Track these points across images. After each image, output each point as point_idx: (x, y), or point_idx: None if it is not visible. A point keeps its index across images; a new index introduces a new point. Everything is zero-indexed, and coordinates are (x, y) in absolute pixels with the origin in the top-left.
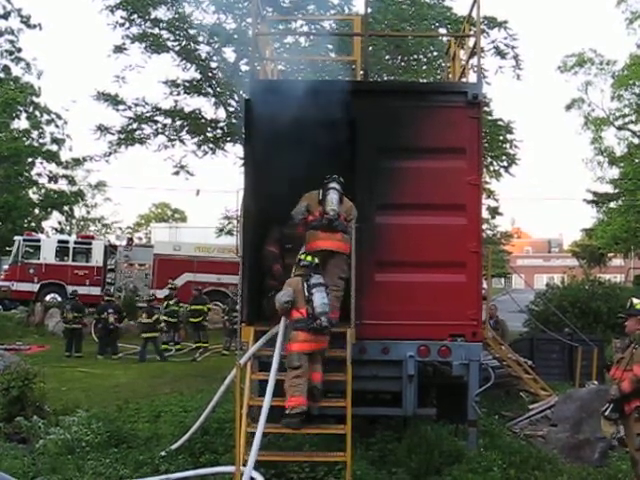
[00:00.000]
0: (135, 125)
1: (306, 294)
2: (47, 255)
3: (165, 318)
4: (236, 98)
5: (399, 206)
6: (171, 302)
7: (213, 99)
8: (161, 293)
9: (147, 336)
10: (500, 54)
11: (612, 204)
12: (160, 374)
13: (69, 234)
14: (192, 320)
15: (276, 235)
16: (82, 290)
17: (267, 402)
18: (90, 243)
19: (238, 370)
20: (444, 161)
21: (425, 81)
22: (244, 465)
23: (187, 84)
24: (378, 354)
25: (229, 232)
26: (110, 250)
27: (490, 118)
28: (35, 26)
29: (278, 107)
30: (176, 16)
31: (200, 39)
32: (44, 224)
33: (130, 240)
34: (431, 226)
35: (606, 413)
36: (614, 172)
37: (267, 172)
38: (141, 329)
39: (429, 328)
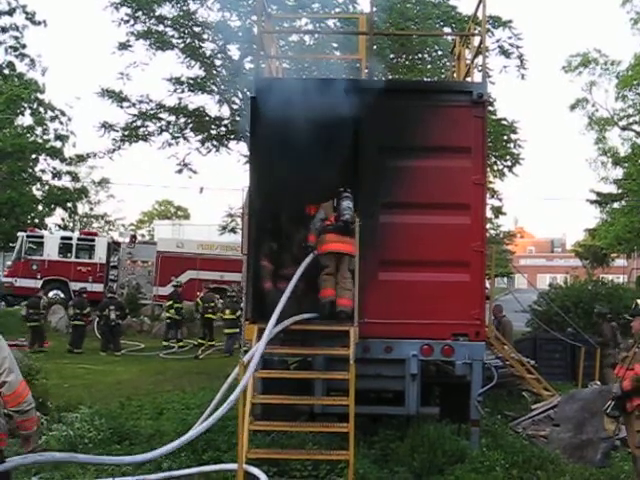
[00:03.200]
0: (139, 122)
1: (334, 204)
2: (50, 251)
3: (170, 315)
4: (240, 96)
5: (403, 205)
6: (176, 300)
7: (217, 97)
8: (163, 290)
9: (229, 332)
10: (505, 54)
11: (615, 204)
12: (162, 371)
13: (72, 231)
14: (212, 317)
15: (266, 250)
16: (85, 287)
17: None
18: (93, 240)
19: (241, 368)
20: (449, 160)
21: (430, 80)
22: (247, 463)
23: (191, 81)
24: (381, 353)
25: (232, 230)
26: (113, 247)
27: (494, 117)
28: (40, 23)
29: (283, 105)
30: (181, 13)
31: (205, 36)
32: (47, 220)
33: (133, 237)
34: (435, 225)
35: (608, 411)
36: (618, 172)
37: (272, 170)
38: (224, 325)
39: (432, 327)
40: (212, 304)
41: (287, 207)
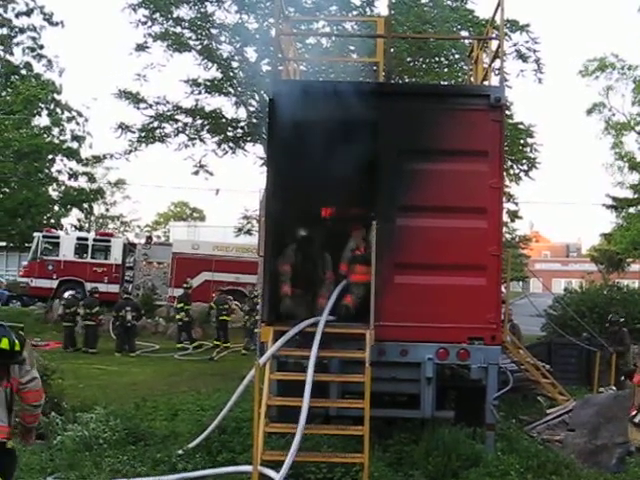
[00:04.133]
0: (156, 123)
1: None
2: (66, 252)
3: (180, 317)
4: (257, 98)
5: (420, 208)
6: (186, 302)
7: (234, 99)
8: (179, 292)
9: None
10: (522, 58)
11: (631, 209)
12: (177, 372)
13: (88, 231)
14: (227, 319)
15: (290, 256)
16: (100, 287)
17: (306, 402)
18: (109, 241)
19: (257, 370)
20: (466, 164)
21: (447, 83)
22: (262, 465)
23: (208, 83)
24: (397, 356)
25: (248, 232)
26: (129, 248)
27: (511, 121)
28: (57, 23)
29: (301, 108)
30: (198, 15)
31: (222, 38)
32: (63, 221)
33: (149, 238)
34: (452, 229)
35: (636, 420)
36: (634, 177)
37: (289, 173)
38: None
39: (448, 331)
40: (226, 306)
41: (304, 209)
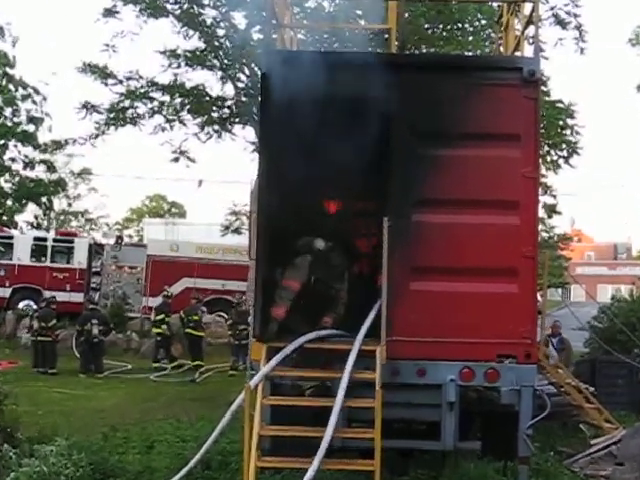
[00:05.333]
0: (127, 103)
1: None
2: (21, 255)
3: (160, 331)
4: (247, 72)
5: (440, 202)
6: (167, 313)
7: (219, 73)
8: (154, 302)
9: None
10: (560, 24)
11: None
12: (153, 396)
13: (47, 230)
14: (194, 333)
15: (304, 272)
16: (62, 296)
17: (328, 435)
18: (72, 241)
19: (247, 393)
20: (494, 149)
21: (472, 54)
22: None
23: (189, 55)
24: (413, 377)
25: (236, 230)
26: (95, 250)
27: (548, 99)
28: None
29: (299, 83)
30: None
31: (205, 2)
32: (18, 218)
33: (119, 238)
34: (478, 226)
35: None
36: None
37: (285, 160)
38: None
39: (474, 347)
40: (195, 317)
41: (303, 204)
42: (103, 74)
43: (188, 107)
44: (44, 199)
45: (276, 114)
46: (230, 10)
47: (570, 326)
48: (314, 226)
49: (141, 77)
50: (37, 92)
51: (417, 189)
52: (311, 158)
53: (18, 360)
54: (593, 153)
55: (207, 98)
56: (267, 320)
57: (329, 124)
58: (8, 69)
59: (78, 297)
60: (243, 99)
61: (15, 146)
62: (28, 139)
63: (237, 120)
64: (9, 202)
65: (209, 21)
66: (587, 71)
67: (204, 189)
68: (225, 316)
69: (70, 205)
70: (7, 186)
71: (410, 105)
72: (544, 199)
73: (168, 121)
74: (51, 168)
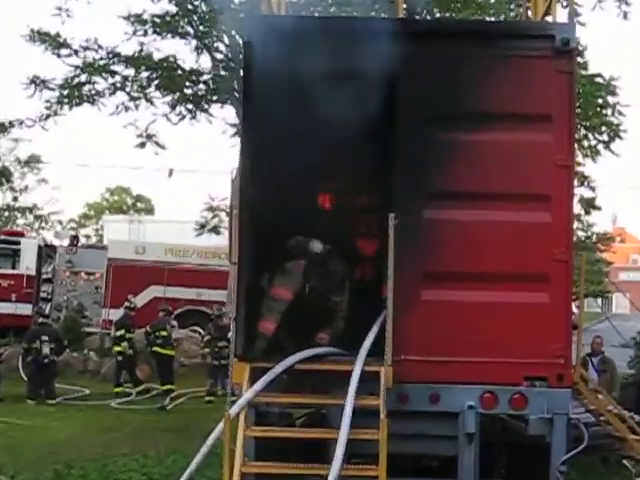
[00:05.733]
0: (84, 77)
1: None
2: None
3: (121, 350)
4: (226, 41)
5: (457, 196)
6: (129, 328)
7: (194, 42)
8: (116, 314)
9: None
10: None
11: None
12: (116, 427)
13: None
14: (162, 352)
15: (297, 279)
16: (5, 308)
17: (335, 472)
18: (18, 242)
19: (227, 423)
20: (521, 133)
21: (494, 20)
22: None
23: (157, 21)
24: (424, 403)
25: (214, 229)
26: (46, 252)
27: (585, 73)
28: None
29: (289, 54)
30: None
31: None
32: None
33: (74, 239)
34: (502, 224)
35: None
36: None
37: (274, 145)
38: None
39: (497, 368)
40: (164, 333)
41: (293, 198)
42: (55, 43)
43: (156, 82)
44: None
45: (262, 91)
46: None
47: (611, 342)
48: (308, 224)
49: (100, 47)
50: None
51: (429, 180)
52: (304, 144)
53: None
54: (639, 137)
55: (179, 72)
56: (252, 336)
57: (325, 104)
58: None
59: (25, 309)
60: (222, 73)
61: None
62: None
63: (215, 98)
64: None
65: None
66: (632, 40)
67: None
68: (201, 331)
69: (16, 199)
70: None
71: (421, 81)
72: (580, 192)
73: (132, 99)
74: None
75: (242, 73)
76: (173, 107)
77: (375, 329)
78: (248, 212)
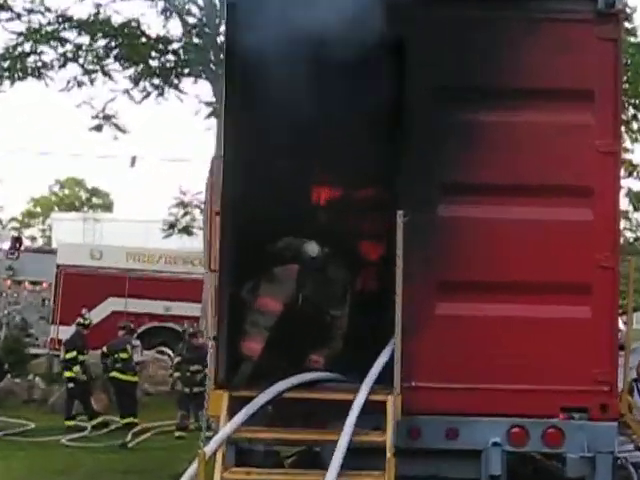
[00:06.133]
0: (28, 46)
1: None
2: None
3: (73, 375)
4: (201, 2)
5: (478, 189)
6: (81, 349)
7: (161, 3)
8: (67, 331)
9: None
10: None
11: None
12: (67, 468)
13: None
14: (123, 378)
15: (287, 287)
16: None
17: None
18: None
19: (202, 463)
20: (557, 113)
21: None
22: None
23: None
24: (440, 440)
25: (185, 229)
26: None
27: (633, 41)
28: None
29: (279, 19)
30: None
31: None
32: None
33: (17, 241)
34: (532, 223)
35: None
36: None
37: (259, 129)
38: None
39: (528, 396)
40: (125, 355)
41: (284, 191)
42: None
43: (116, 52)
44: None
45: (248, 63)
46: None
47: None
48: (301, 223)
49: (48, 10)
50: None
51: (445, 170)
52: (297, 127)
53: None
54: None
55: (143, 40)
56: (234, 358)
57: (320, 78)
58: None
59: None
60: (195, 41)
61: None
62: None
63: (186, 71)
64: None
65: None
66: None
67: (139, 170)
68: (170, 353)
69: None
70: None
71: (435, 49)
72: (628, 183)
73: (87, 72)
74: None
75: (222, 41)
76: (136, 82)
77: (388, 351)
78: (230, 208)
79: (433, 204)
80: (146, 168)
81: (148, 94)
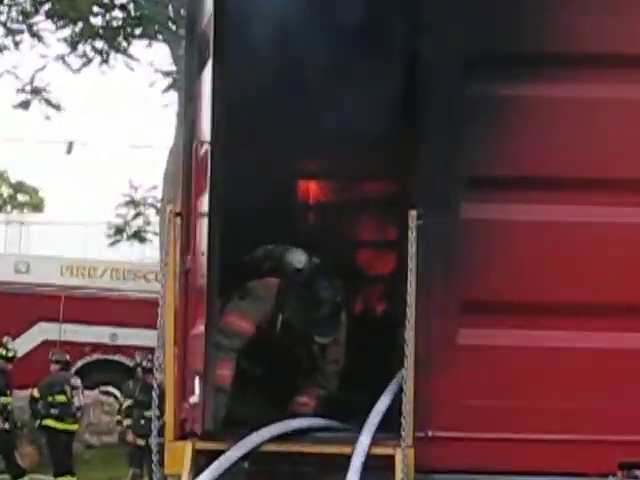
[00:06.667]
0: None
1: None
2: None
3: None
4: None
5: (517, 183)
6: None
7: None
8: None
9: None
10: None
11: None
12: None
13: None
14: (58, 427)
15: (265, 302)
16: None
17: None
18: None
19: None
20: (628, 87)
21: None
22: None
23: None
24: None
25: (137, 235)
26: None
27: None
28: None
29: None
30: None
31: None
32: None
33: None
34: (595, 228)
35: None
36: None
37: (243, 106)
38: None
39: (577, 449)
40: (61, 398)
41: (262, 185)
42: None
43: (47, 8)
44: None
45: (235, 23)
46: None
47: None
48: (283, 226)
49: None
50: None
51: (472, 160)
52: (284, 105)
53: None
54: None
55: None
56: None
57: (316, 42)
58: None
59: None
60: None
61: None
62: None
63: (138, 32)
64: None
65: None
66: None
67: (76, 159)
68: (117, 394)
69: None
70: None
71: (457, 6)
72: None
73: (11, 33)
74: None
75: None
76: (73, 46)
77: (395, 389)
78: (221, 207)
79: (455, 202)
80: (86, 156)
81: (89, 61)
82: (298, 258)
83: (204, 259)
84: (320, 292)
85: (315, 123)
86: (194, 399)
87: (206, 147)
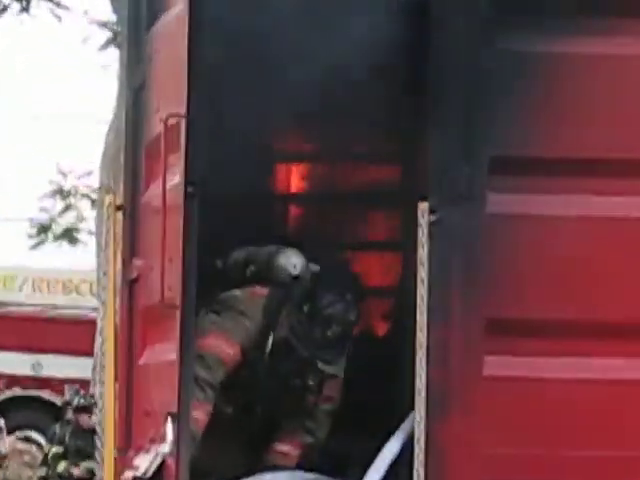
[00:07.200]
0: None
1: None
2: None
3: None
4: None
5: (554, 167)
6: None
7: None
8: None
9: None
10: None
11: None
12: None
13: None
14: None
15: (251, 319)
16: None
17: None
18: None
19: None
20: None
21: None
22: None
23: None
24: None
25: (67, 234)
26: None
27: None
28: None
29: None
30: None
31: None
32: None
33: None
34: None
35: None
36: None
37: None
38: None
39: None
40: None
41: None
42: None
43: None
44: None
45: None
46: None
47: None
48: (269, 223)
49: None
50: None
51: (495, 137)
52: (268, 74)
53: None
54: None
55: None
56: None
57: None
58: None
59: None
60: None
61: None
62: None
63: None
64: None
65: None
66: None
67: None
68: (41, 440)
69: None
70: None
71: None
72: None
73: None
74: None
75: None
76: None
77: (403, 435)
78: (196, 195)
79: (479, 193)
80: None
81: (4, 8)
82: (292, 261)
83: (174, 266)
84: (327, 307)
85: (308, 104)
86: (162, 448)
87: (173, 121)
